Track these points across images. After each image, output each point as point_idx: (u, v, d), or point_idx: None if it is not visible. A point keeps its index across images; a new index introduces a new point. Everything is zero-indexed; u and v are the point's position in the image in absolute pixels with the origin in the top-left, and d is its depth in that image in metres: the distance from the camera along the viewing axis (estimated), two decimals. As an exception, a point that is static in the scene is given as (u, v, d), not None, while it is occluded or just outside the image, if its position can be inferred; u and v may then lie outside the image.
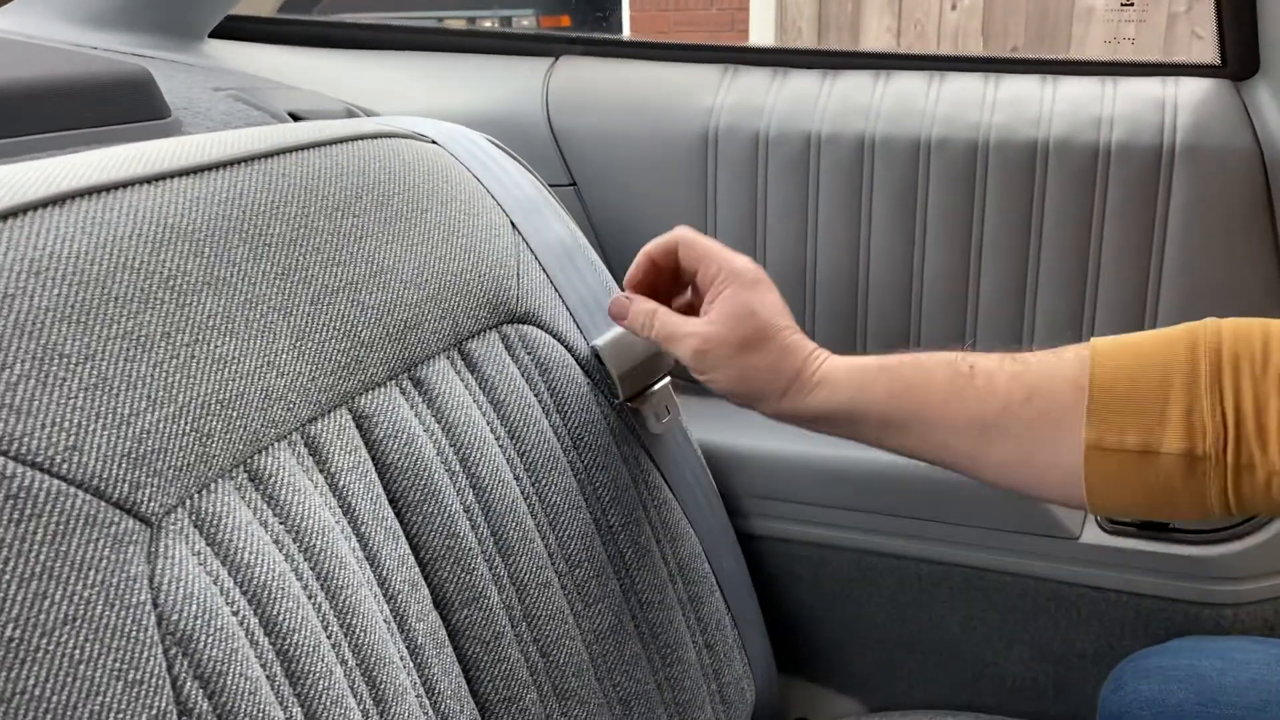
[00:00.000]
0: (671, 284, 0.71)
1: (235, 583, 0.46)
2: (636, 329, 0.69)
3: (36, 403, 0.40)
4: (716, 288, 0.65)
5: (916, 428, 0.61)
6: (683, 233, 0.68)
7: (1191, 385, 0.54)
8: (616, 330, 0.73)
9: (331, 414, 0.55)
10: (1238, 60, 0.86)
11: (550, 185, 0.82)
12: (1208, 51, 0.89)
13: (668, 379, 0.76)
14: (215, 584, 0.45)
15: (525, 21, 4.74)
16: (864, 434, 0.64)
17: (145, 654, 0.41)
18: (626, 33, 4.68)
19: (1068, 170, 0.88)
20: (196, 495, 0.46)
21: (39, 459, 0.40)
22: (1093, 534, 0.86)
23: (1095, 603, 0.88)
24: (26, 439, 0.40)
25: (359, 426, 0.56)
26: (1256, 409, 0.52)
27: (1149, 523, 0.85)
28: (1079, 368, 0.57)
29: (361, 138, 0.64)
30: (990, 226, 0.91)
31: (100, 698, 0.39)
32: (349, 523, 0.53)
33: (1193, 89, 0.88)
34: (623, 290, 0.72)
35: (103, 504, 0.41)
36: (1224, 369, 0.53)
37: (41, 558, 0.39)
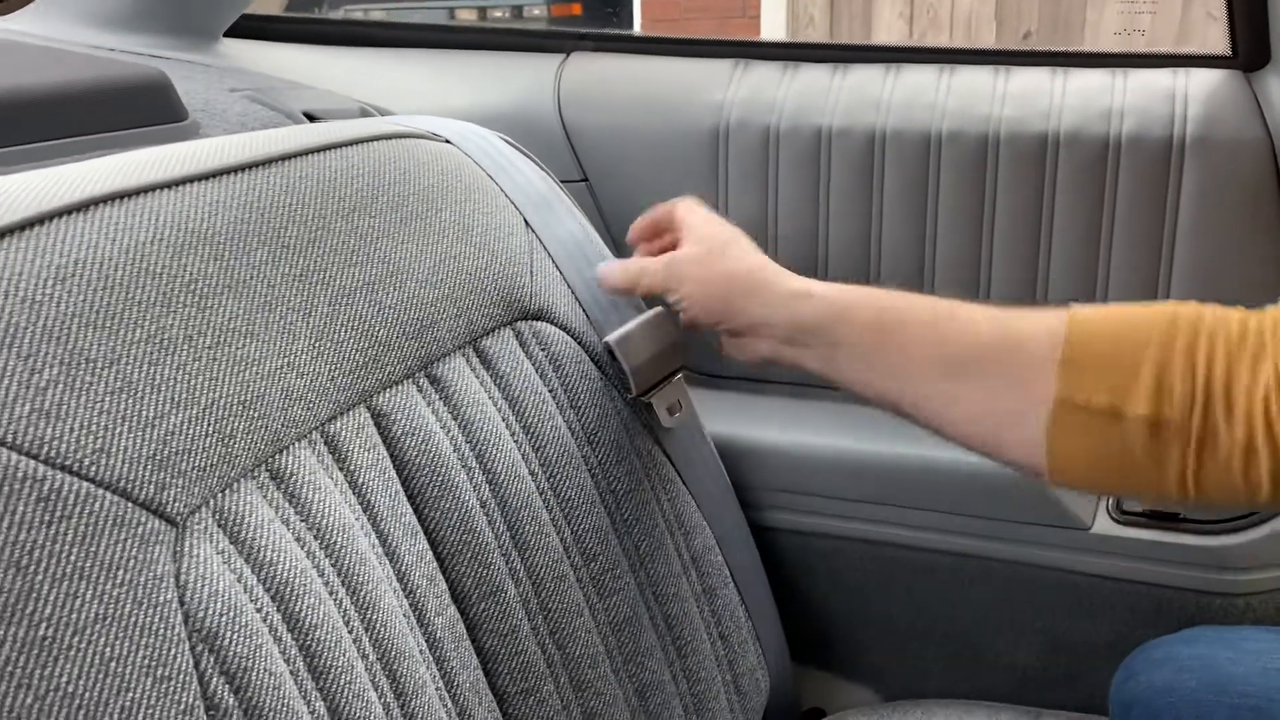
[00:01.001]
0: None
1: (259, 580, 0.47)
2: (624, 283, 0.72)
3: (65, 406, 0.41)
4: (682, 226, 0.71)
5: (889, 358, 0.61)
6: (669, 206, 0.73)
7: (1166, 350, 0.54)
8: (629, 325, 0.74)
9: (350, 413, 0.55)
10: (1249, 51, 0.86)
11: (562, 181, 0.82)
12: (1223, 33, 0.89)
13: (681, 374, 0.76)
14: (239, 582, 0.46)
15: (537, 10, 4.73)
16: (840, 360, 0.63)
17: (173, 651, 0.42)
18: (638, 17, 4.66)
19: (1078, 162, 0.88)
20: (220, 495, 0.47)
21: (68, 462, 0.41)
22: (1104, 524, 0.87)
23: (1107, 593, 0.88)
24: (56, 442, 0.41)
25: (377, 424, 0.57)
26: (1226, 380, 0.52)
27: (1160, 513, 0.86)
28: (1057, 323, 0.57)
29: (376, 138, 0.64)
30: (1001, 219, 0.91)
31: (130, 694, 0.40)
32: (368, 519, 0.54)
33: (1203, 80, 0.88)
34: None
35: (129, 505, 0.42)
36: (1200, 340, 0.54)
37: (72, 558, 0.40)
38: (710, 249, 0.68)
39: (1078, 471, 0.57)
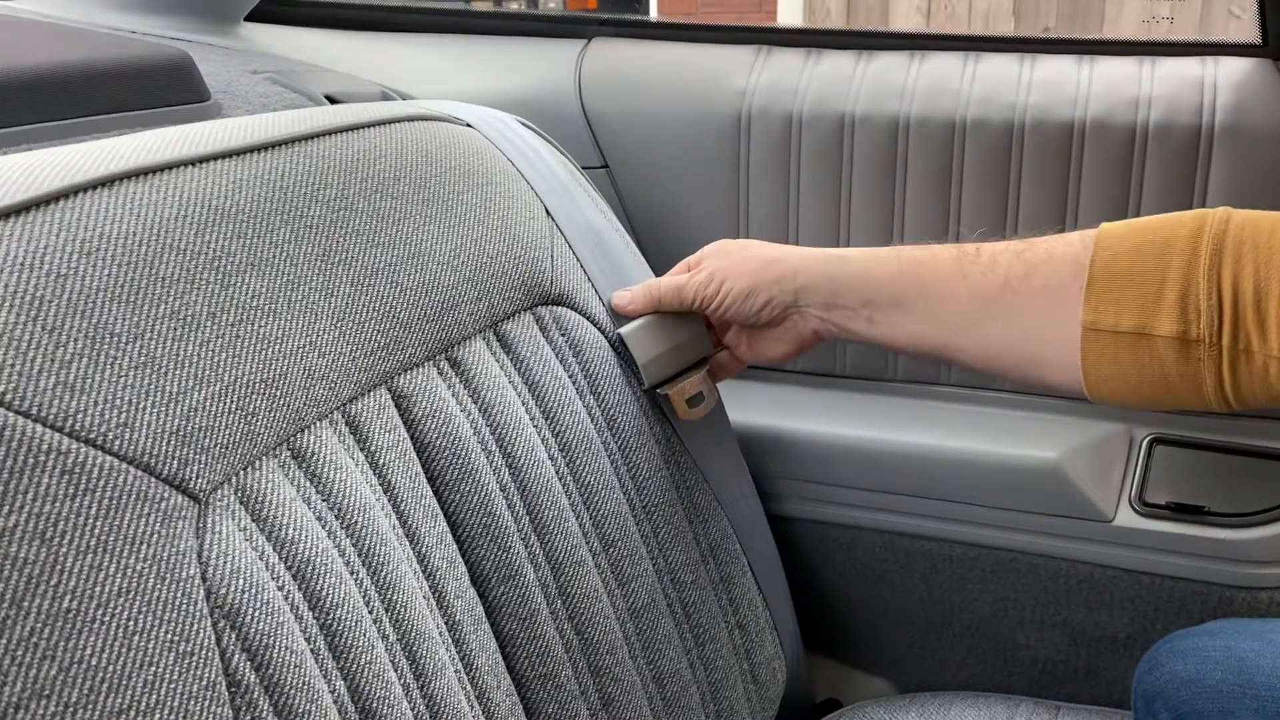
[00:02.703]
0: None
1: (280, 558, 0.46)
2: (648, 303, 0.73)
3: (89, 380, 0.41)
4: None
5: (923, 305, 0.63)
6: None
7: (1190, 269, 0.54)
8: (643, 318, 0.73)
9: (371, 393, 0.55)
10: (1279, 39, 0.85)
11: (583, 168, 0.82)
12: (1246, 31, 0.88)
13: (705, 368, 0.76)
14: (261, 559, 0.46)
15: (551, 4, 4.73)
16: (879, 316, 0.65)
17: (195, 626, 0.42)
18: (654, 14, 4.66)
19: (1105, 151, 0.87)
20: (242, 472, 0.47)
21: (93, 435, 0.41)
22: (1126, 517, 0.86)
23: (1128, 586, 0.88)
24: (81, 415, 0.41)
25: (398, 406, 0.57)
26: (1257, 294, 0.52)
27: (1184, 505, 0.85)
28: (1081, 248, 0.58)
29: (398, 120, 0.64)
30: (1025, 208, 0.90)
31: (153, 667, 0.40)
32: (389, 500, 0.54)
33: (1232, 68, 0.87)
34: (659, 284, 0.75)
35: (153, 480, 0.42)
36: (1225, 254, 0.53)
37: (96, 531, 0.40)
38: (734, 250, 0.71)
39: (1115, 391, 0.57)
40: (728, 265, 0.70)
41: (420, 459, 0.57)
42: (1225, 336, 0.53)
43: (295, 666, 0.45)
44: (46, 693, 0.37)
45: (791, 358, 0.73)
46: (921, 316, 0.64)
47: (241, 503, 0.46)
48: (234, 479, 0.46)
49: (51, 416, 0.40)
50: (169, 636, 0.41)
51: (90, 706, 0.38)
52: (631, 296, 0.73)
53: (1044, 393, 0.93)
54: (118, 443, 0.41)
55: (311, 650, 0.46)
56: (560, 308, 0.70)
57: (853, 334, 0.67)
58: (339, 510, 0.50)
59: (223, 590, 0.43)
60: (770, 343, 0.72)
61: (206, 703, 0.41)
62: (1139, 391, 0.57)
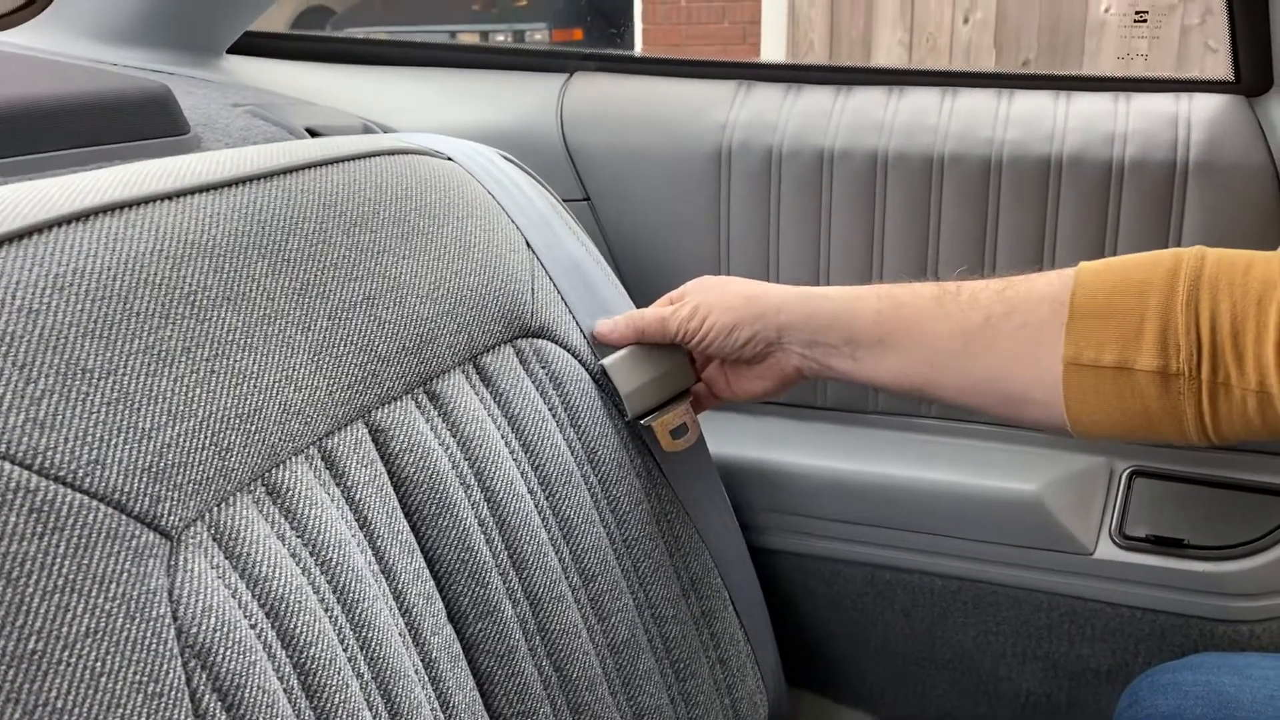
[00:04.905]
0: None
1: (253, 596, 0.46)
2: (632, 334, 0.73)
3: (60, 417, 0.41)
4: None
5: (905, 343, 0.64)
6: None
7: (1168, 304, 0.55)
8: (626, 349, 0.73)
9: (348, 428, 0.55)
10: (1251, 76, 0.86)
11: (564, 200, 0.82)
12: (1220, 65, 0.89)
13: (688, 400, 0.76)
14: (234, 597, 0.45)
15: (538, 36, 4.76)
16: (861, 354, 0.65)
17: (165, 667, 0.41)
18: (639, 46, 4.70)
19: (1081, 186, 0.88)
20: (215, 509, 0.46)
21: (62, 473, 0.40)
22: (1107, 549, 0.86)
23: (1109, 619, 0.87)
24: (50, 453, 0.40)
25: (375, 440, 0.57)
26: (1234, 329, 0.53)
27: (1164, 538, 0.85)
28: (1061, 286, 0.59)
29: (379, 154, 0.64)
30: (1003, 242, 0.91)
31: (121, 710, 0.39)
32: (365, 536, 0.53)
33: (1206, 105, 0.88)
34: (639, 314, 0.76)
35: (124, 518, 0.42)
36: (1202, 290, 0.54)
37: (64, 571, 0.39)
38: (717, 286, 0.72)
39: (1098, 425, 0.58)
40: (711, 300, 0.70)
41: (397, 494, 0.57)
42: (1204, 370, 0.54)
43: (267, 707, 0.44)
44: (11, 736, 0.36)
45: (773, 395, 0.73)
46: (904, 354, 0.64)
47: (215, 540, 0.46)
48: (207, 516, 0.46)
49: (20, 454, 0.39)
50: (138, 677, 0.40)
51: (55, 750, 0.37)
52: (614, 325, 0.73)
53: (1026, 429, 0.93)
54: (88, 480, 0.41)
55: (284, 690, 0.46)
56: (541, 340, 0.69)
57: (835, 371, 0.68)
58: (314, 547, 0.50)
59: (194, 629, 0.43)
60: (752, 379, 0.72)
61: (175, 745, 0.41)
62: (1122, 426, 0.58)
